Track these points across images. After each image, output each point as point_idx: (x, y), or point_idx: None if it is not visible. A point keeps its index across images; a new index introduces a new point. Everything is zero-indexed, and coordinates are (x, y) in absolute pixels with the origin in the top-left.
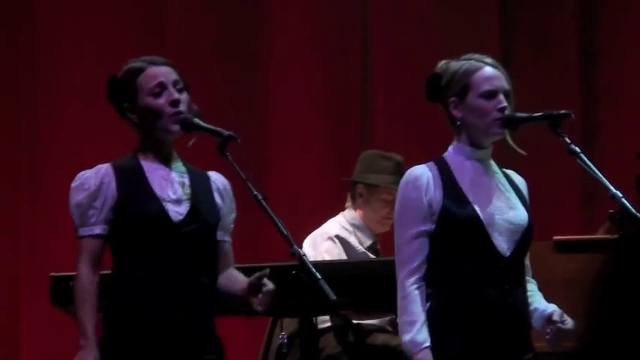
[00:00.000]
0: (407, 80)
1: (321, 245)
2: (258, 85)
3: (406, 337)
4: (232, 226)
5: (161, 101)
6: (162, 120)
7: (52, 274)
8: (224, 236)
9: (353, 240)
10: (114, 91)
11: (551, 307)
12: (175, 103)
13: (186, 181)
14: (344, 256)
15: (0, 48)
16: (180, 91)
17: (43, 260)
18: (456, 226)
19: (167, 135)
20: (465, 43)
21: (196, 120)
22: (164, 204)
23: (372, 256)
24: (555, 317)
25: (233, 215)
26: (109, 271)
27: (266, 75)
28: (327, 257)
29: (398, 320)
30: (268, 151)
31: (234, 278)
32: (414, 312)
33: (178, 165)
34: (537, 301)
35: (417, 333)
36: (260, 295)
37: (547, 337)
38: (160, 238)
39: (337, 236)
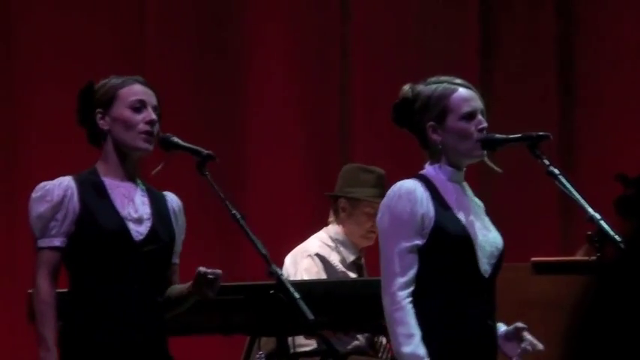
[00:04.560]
0: (385, 97)
1: (300, 263)
2: (236, 103)
3: (406, 349)
4: (180, 248)
5: (138, 117)
6: (133, 133)
7: (29, 290)
8: (175, 258)
9: (333, 258)
10: (87, 97)
11: (504, 326)
12: (152, 123)
13: (146, 200)
14: (323, 275)
15: None
16: (156, 117)
17: (19, 277)
18: (447, 242)
19: (133, 150)
20: (443, 66)
21: (175, 139)
22: (126, 222)
23: (352, 274)
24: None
25: (182, 237)
26: (63, 290)
27: (244, 92)
28: (306, 276)
29: (391, 332)
30: (247, 168)
31: (174, 288)
32: (412, 324)
33: (139, 184)
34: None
35: (417, 346)
36: (210, 278)
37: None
38: (120, 257)
39: (317, 254)
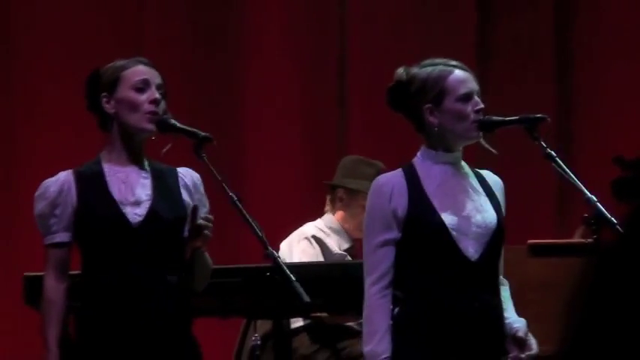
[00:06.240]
0: (383, 88)
1: (297, 246)
2: (234, 92)
3: (366, 348)
4: None
5: (142, 97)
6: (138, 114)
7: (25, 273)
8: None
9: (329, 241)
10: (94, 83)
11: (518, 323)
12: (156, 102)
13: (148, 181)
14: (320, 257)
15: None
16: (161, 95)
17: (16, 260)
18: (421, 232)
19: (138, 132)
20: (441, 53)
21: (173, 121)
22: (122, 207)
23: (349, 257)
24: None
25: (205, 209)
26: (79, 272)
27: (243, 81)
28: (304, 257)
29: (363, 329)
30: (245, 159)
31: None
32: (376, 322)
33: (143, 165)
34: (507, 309)
35: (378, 344)
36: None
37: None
38: (121, 241)
39: (314, 237)
